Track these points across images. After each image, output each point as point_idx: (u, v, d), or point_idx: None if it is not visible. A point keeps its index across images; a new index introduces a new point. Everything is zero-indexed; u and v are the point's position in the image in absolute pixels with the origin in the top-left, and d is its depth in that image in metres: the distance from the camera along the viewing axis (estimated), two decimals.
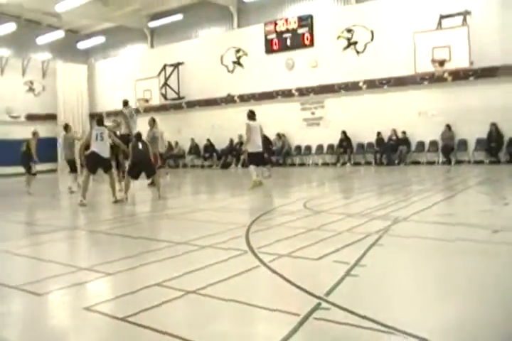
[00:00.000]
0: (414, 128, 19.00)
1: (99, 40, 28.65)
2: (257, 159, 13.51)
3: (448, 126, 18.15)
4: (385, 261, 5.38)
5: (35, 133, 15.66)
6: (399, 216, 7.79)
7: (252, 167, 13.44)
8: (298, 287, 4.47)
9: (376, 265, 5.19)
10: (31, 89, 29.04)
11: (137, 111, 14.77)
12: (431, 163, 18.74)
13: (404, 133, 19.10)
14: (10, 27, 25.08)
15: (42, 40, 27.83)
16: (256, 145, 13.41)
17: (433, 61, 17.65)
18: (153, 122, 15.16)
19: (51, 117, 28.74)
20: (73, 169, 15.55)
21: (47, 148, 20.31)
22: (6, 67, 27.65)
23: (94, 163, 11.64)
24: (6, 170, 21.97)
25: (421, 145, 19.05)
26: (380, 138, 19.67)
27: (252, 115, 13.66)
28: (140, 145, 11.97)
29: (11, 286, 4.99)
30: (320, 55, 21.39)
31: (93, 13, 25.96)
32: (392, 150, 19.22)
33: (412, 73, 18.52)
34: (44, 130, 27.31)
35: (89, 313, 4.14)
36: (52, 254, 6.56)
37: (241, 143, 22.63)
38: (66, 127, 16.46)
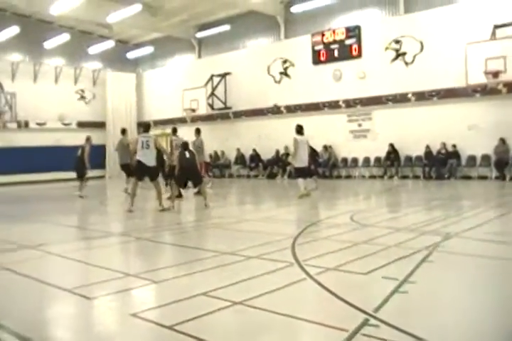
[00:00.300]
0: (465, 142, 18.55)
1: (148, 50, 29.18)
2: (303, 173, 13.73)
3: (502, 140, 17.64)
4: (435, 279, 5.25)
5: (88, 139, 16.06)
6: (449, 232, 7.59)
7: (300, 180, 13.69)
8: (345, 302, 4.39)
9: (426, 282, 5.06)
10: (82, 97, 29.72)
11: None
12: (483, 177, 18.21)
13: (454, 146, 18.68)
14: (64, 37, 25.99)
15: (93, 49, 28.59)
16: (302, 161, 13.60)
17: (486, 72, 17.26)
18: (198, 132, 15.27)
19: (100, 125, 29.30)
20: (129, 173, 15.38)
21: (95, 155, 20.62)
22: (60, 75, 28.40)
23: (141, 172, 11.80)
24: (57, 176, 22.43)
25: (472, 159, 18.57)
26: (428, 152, 19.29)
27: (300, 129, 13.79)
28: (187, 154, 12.05)
29: (64, 289, 5.11)
30: (368, 66, 21.19)
31: (142, 24, 26.47)
32: (441, 164, 18.82)
33: (463, 85, 18.13)
34: (93, 137, 27.99)
35: (135, 320, 4.17)
36: (100, 259, 6.66)
37: (287, 154, 22.57)
38: (123, 131, 16.80)
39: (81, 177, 15.89)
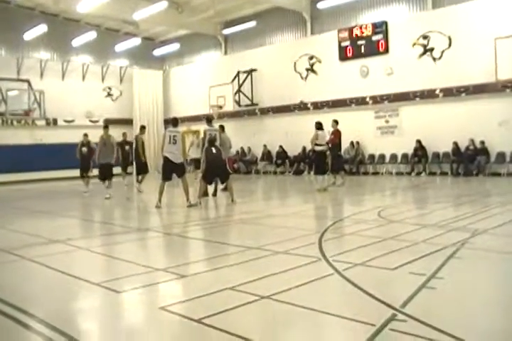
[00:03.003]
0: (494, 138, 18.26)
1: (174, 47, 29.27)
2: (322, 161, 14.69)
3: None
4: (463, 275, 5.21)
5: (143, 128, 16.97)
6: (478, 228, 7.50)
7: (319, 177, 14.85)
8: (373, 297, 4.39)
9: (454, 278, 5.02)
10: (109, 95, 30.00)
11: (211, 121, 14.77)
12: None
13: (482, 143, 18.42)
14: (91, 35, 26.25)
15: (120, 47, 28.78)
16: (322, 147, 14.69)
17: None
18: (222, 129, 15.24)
19: (127, 122, 29.52)
20: (106, 174, 14.87)
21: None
22: (87, 73, 28.72)
23: (169, 170, 11.89)
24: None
25: (501, 156, 18.28)
26: (456, 148, 19.08)
27: (319, 126, 14.80)
28: (214, 150, 12.09)
29: (93, 283, 5.18)
30: (395, 62, 20.98)
31: (168, 21, 26.61)
32: (469, 161, 18.58)
33: (492, 80, 17.87)
34: (121, 134, 28.29)
35: (164, 313, 4.23)
36: (128, 254, 6.73)
37: (314, 151, 22.47)
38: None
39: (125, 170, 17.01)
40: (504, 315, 4.10)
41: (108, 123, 28.06)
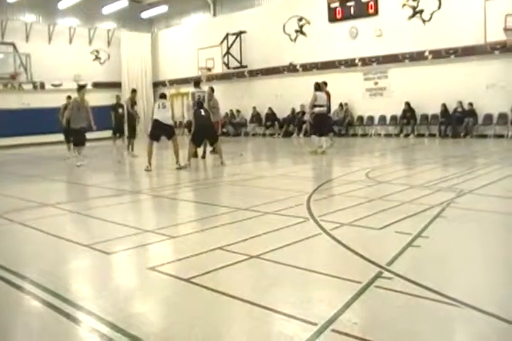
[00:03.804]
0: (482, 100, 18.26)
1: (162, 9, 28.66)
2: (322, 123, 14.01)
3: None
4: (448, 234, 5.30)
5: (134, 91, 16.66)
6: (463, 189, 7.59)
7: (314, 136, 14.15)
8: (359, 255, 4.48)
9: (439, 237, 5.12)
10: (97, 58, 29.49)
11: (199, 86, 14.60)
12: (499, 136, 18.01)
13: (471, 104, 18.42)
14: None
15: (107, 9, 28.13)
16: (321, 109, 14.02)
17: (506, 29, 16.87)
18: (211, 91, 15.16)
19: (116, 85, 29.21)
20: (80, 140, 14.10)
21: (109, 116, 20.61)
22: (74, 36, 28.19)
23: (157, 130, 11.92)
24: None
25: (489, 118, 18.33)
26: (445, 110, 19.08)
27: (318, 87, 14.20)
28: (203, 112, 12.10)
29: (83, 245, 5.24)
30: (384, 23, 20.73)
31: None
32: (457, 123, 18.62)
33: (481, 42, 17.78)
34: (108, 98, 28.04)
35: (153, 273, 4.29)
36: (118, 216, 6.76)
37: (303, 113, 22.51)
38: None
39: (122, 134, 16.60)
40: (487, 272, 4.21)
41: (97, 86, 28.05)
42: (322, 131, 14.05)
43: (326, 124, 14.45)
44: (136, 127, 16.75)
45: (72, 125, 13.67)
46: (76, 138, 13.88)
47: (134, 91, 16.86)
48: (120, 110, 17.01)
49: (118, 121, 16.79)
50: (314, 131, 14.25)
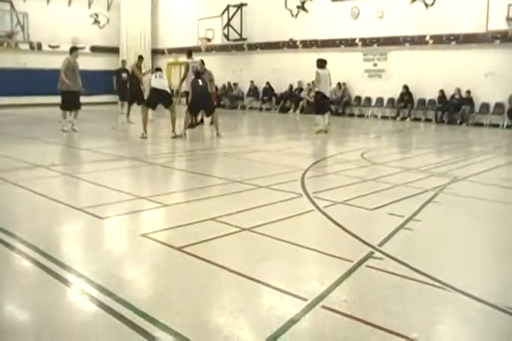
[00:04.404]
0: (480, 89, 18.21)
1: None
2: (323, 106, 13.86)
3: None
4: (440, 218, 5.32)
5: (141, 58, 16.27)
6: (457, 175, 7.61)
7: (318, 116, 13.97)
8: (352, 234, 4.50)
9: (431, 221, 5.15)
10: (96, 22, 29.01)
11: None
12: (495, 125, 17.99)
13: (468, 92, 18.37)
14: None
15: None
16: (324, 90, 13.78)
17: (508, 19, 16.76)
18: (202, 64, 14.89)
19: (114, 50, 28.85)
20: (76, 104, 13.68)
21: (108, 81, 20.41)
22: None
23: (154, 97, 11.85)
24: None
25: (485, 106, 18.30)
26: (442, 96, 19.04)
27: (321, 64, 13.91)
28: (200, 82, 12.04)
29: (76, 208, 5.23)
30: (387, 5, 20.48)
31: None
32: (454, 109, 18.60)
33: (483, 31, 17.65)
34: (106, 63, 27.73)
35: (146, 240, 4.30)
36: (112, 182, 6.73)
37: (301, 89, 22.40)
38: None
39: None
40: (476, 257, 4.26)
41: (95, 50, 27.72)
42: (323, 110, 13.93)
43: (326, 103, 14.31)
44: (144, 93, 16.22)
45: (69, 87, 13.09)
46: (75, 101, 13.33)
47: (140, 57, 16.53)
48: (124, 75, 16.79)
49: (121, 85, 16.56)
50: (317, 110, 14.18)
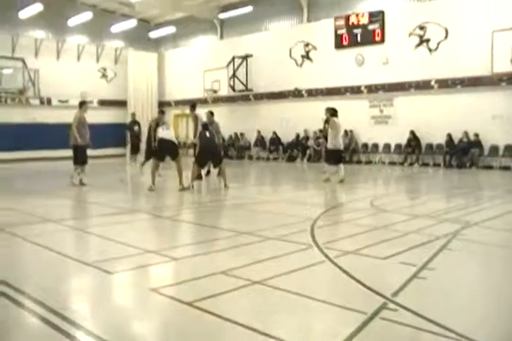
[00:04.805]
0: (488, 131, 18.27)
1: (170, 30, 28.97)
2: (334, 157, 13.53)
3: None
4: (454, 266, 5.22)
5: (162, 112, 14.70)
6: (469, 220, 7.53)
7: (327, 166, 13.83)
8: (364, 285, 4.41)
9: (445, 269, 5.04)
10: (104, 76, 29.74)
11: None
12: (505, 168, 17.96)
13: (476, 135, 18.44)
14: (87, 16, 25.86)
15: (115, 28, 28.47)
16: (339, 143, 13.49)
17: None
18: (211, 115, 14.82)
19: (121, 103, 29.39)
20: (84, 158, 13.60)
21: (116, 134, 20.71)
22: (82, 53, 28.45)
23: (163, 150, 11.89)
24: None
25: (495, 149, 18.32)
26: (450, 140, 19.11)
27: (334, 112, 13.57)
28: (208, 134, 12.12)
29: (85, 263, 5.19)
30: (391, 52, 20.90)
31: (164, 3, 26.37)
32: (463, 153, 18.63)
33: (488, 74, 17.90)
34: (114, 116, 28.19)
35: (155, 295, 4.24)
36: (121, 236, 6.68)
37: (307, 138, 22.61)
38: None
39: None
40: (494, 306, 4.13)
41: (103, 104, 28.18)
42: (337, 160, 13.56)
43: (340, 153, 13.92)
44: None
45: (78, 142, 13.10)
46: (82, 155, 13.33)
47: (161, 112, 14.57)
48: (136, 128, 16.77)
49: (134, 138, 16.47)
50: (330, 161, 13.75)
